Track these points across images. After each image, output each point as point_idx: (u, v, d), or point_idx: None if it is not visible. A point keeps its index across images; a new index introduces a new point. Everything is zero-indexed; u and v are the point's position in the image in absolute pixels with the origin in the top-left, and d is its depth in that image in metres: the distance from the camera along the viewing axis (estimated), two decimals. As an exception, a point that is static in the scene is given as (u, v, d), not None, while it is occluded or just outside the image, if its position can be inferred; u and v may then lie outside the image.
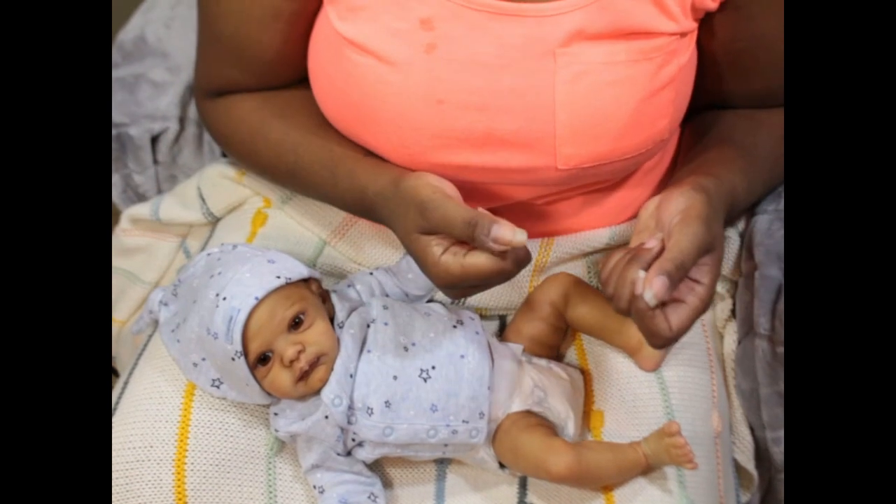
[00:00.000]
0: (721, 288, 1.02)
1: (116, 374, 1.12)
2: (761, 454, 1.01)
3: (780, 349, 0.94)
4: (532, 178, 0.89)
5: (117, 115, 1.15)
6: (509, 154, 0.87)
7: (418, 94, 0.85)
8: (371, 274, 0.96)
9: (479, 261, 0.80)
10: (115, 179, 1.17)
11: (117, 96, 1.15)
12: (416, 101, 0.85)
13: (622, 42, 0.85)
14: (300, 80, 0.96)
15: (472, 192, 0.89)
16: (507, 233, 0.78)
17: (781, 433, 0.97)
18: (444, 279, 0.82)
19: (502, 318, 1.01)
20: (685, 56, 0.89)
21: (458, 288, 0.83)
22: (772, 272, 0.96)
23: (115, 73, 1.17)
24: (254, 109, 0.97)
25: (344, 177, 0.91)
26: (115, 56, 1.18)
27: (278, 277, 0.86)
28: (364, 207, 0.91)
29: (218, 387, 0.88)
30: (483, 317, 1.00)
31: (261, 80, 0.97)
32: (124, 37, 1.20)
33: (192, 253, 1.08)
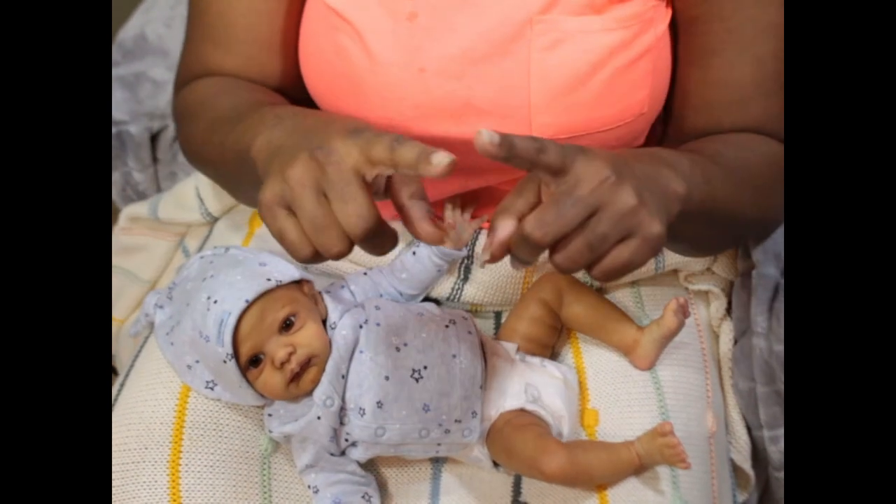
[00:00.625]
0: (715, 287, 1.01)
1: (116, 373, 1.13)
2: (758, 454, 1.00)
3: (778, 348, 0.94)
4: None
5: (117, 114, 1.16)
6: (486, 124, 0.85)
7: (401, 62, 0.86)
8: (365, 274, 0.96)
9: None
10: (115, 177, 1.18)
11: (117, 94, 1.16)
12: (399, 69, 0.86)
13: (600, 10, 0.85)
14: (290, 79, 0.96)
15: (454, 170, 0.88)
16: None
17: (779, 432, 0.97)
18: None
19: (497, 315, 1.01)
20: (662, 26, 0.89)
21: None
22: (769, 271, 0.95)
23: (115, 72, 1.18)
24: (213, 82, 0.94)
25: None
26: (116, 54, 1.19)
27: (269, 280, 0.86)
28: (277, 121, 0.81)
29: (212, 389, 0.88)
30: (477, 314, 1.00)
31: (248, 65, 0.94)
32: (124, 35, 1.20)
33: (191, 252, 1.09)
